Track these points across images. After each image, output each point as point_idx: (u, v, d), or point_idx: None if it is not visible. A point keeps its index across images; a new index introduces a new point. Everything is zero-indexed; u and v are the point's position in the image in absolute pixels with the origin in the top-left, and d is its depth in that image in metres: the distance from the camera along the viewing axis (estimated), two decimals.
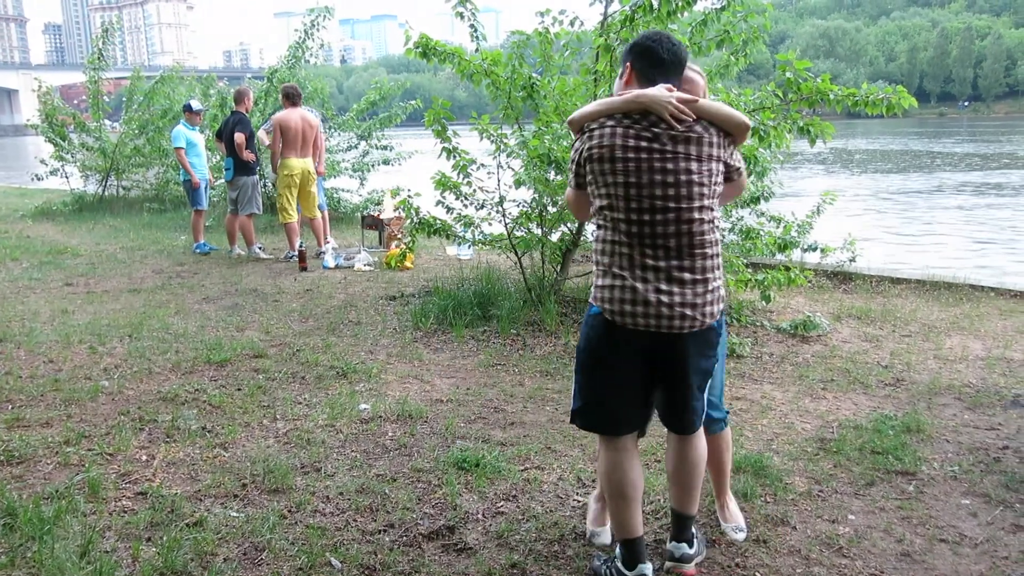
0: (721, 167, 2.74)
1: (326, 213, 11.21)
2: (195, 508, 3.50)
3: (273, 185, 12.98)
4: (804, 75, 5.13)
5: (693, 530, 3.05)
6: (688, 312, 2.69)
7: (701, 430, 2.97)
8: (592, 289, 2.85)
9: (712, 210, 2.73)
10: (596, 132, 2.74)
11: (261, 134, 10.49)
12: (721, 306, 2.80)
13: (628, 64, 2.83)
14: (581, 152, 2.79)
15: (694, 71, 2.96)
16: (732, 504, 3.40)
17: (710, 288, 2.73)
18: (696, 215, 2.68)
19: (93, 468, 3.88)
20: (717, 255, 2.77)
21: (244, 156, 9.66)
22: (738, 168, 2.85)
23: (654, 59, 2.78)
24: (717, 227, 2.77)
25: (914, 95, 5.27)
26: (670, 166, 2.66)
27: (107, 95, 16.34)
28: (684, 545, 2.99)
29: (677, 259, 2.69)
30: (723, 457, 3.34)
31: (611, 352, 2.81)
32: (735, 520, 3.34)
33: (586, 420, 2.96)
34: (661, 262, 2.69)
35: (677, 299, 2.68)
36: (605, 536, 3.23)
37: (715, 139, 2.71)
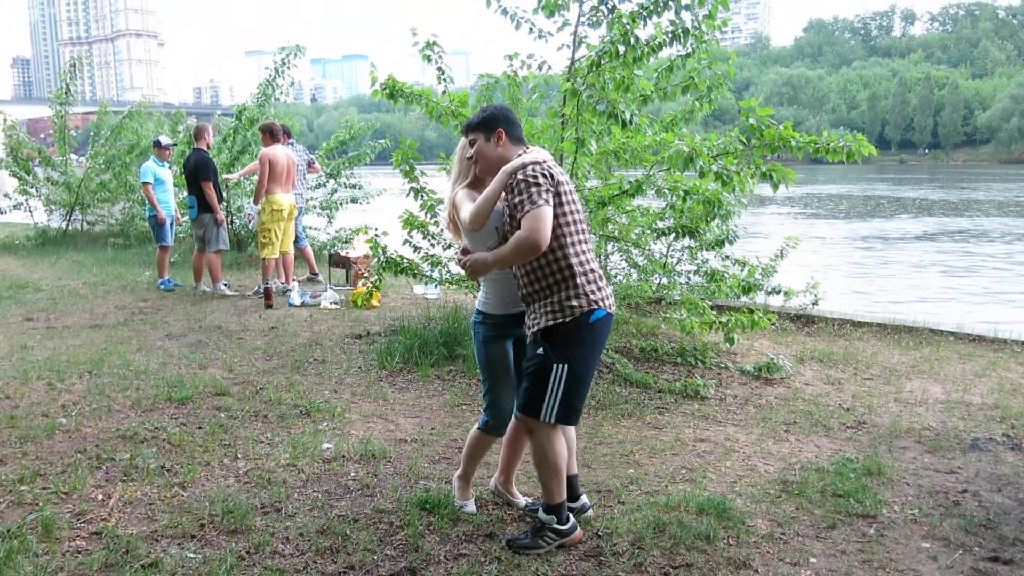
0: None
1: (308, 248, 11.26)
2: (151, 549, 3.44)
3: (240, 221, 12.97)
4: (767, 122, 5.22)
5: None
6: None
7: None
8: (579, 299, 3.29)
9: None
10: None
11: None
12: None
13: (500, 130, 3.41)
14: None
15: None
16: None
17: None
18: None
19: (47, 507, 3.80)
20: None
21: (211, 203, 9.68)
22: None
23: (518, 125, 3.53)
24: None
25: (876, 142, 5.41)
26: None
27: (74, 130, 16.20)
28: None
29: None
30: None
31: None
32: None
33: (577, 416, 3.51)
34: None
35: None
36: (471, 507, 3.86)
37: None
